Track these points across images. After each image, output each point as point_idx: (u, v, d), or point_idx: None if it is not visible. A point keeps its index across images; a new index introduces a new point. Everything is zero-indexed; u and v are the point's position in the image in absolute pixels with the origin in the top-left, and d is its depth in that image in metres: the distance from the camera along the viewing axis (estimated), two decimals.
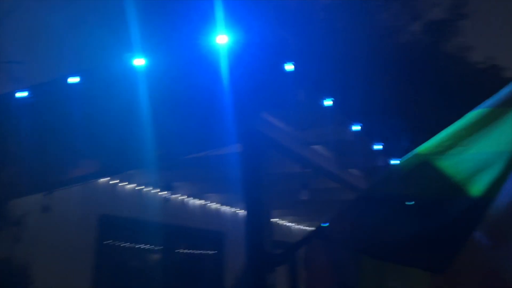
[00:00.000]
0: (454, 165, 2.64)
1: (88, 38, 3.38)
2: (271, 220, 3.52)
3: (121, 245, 7.12)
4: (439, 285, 2.60)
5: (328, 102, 3.81)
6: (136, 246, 7.40)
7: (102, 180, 6.50)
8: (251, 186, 3.46)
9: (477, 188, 2.54)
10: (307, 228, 12.13)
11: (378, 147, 5.00)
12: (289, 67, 3.23)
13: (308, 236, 3.15)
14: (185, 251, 8.34)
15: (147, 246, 7.62)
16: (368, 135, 4.77)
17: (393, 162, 5.33)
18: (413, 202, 2.79)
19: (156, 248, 7.74)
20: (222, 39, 2.96)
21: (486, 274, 2.49)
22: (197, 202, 8.43)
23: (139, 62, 3.34)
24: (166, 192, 5.78)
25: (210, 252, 8.79)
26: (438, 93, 19.53)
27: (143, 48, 3.25)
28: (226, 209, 9.23)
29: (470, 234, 2.53)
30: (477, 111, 2.68)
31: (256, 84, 3.24)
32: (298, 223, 11.70)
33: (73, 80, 3.63)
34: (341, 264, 2.93)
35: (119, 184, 6.94)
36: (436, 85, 19.79)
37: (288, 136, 4.15)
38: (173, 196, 5.83)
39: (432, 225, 2.66)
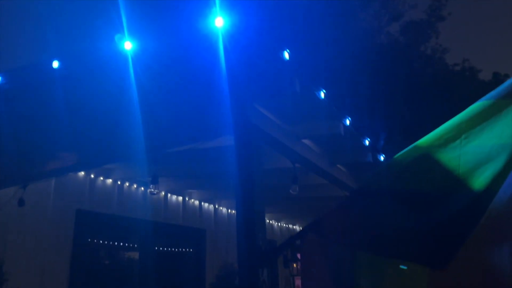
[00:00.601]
0: (455, 158, 2.56)
1: (70, 18, 3.15)
2: (263, 217, 3.37)
3: (99, 241, 6.87)
4: (438, 281, 2.53)
5: (321, 94, 3.69)
6: (114, 243, 7.15)
7: (79, 174, 6.23)
8: (242, 181, 3.29)
9: (479, 182, 2.46)
10: (297, 227, 12.09)
11: (366, 142, 4.94)
12: (284, 54, 3.08)
13: (303, 231, 3.03)
14: (166, 248, 8.13)
15: (126, 243, 7.38)
16: (357, 130, 4.70)
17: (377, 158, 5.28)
18: (411, 196, 2.72)
19: (135, 245, 7.51)
20: (217, 22, 2.79)
21: (486, 270, 2.43)
22: (180, 198, 8.23)
23: (126, 45, 3.13)
24: (151, 187, 5.56)
25: (192, 250, 8.60)
26: (415, 93, 19.84)
27: (131, 31, 3.05)
28: (209, 206, 9.05)
29: (471, 229, 2.47)
30: (479, 103, 2.63)
31: (251, 72, 3.08)
32: (286, 221, 11.63)
33: (52, 64, 3.39)
34: (337, 259, 2.85)
35: (99, 178, 6.67)
36: (412, 86, 20.11)
37: (280, 130, 4.01)
38: (155, 191, 5.61)
39: (431, 220, 2.58)
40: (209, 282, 8.33)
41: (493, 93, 2.60)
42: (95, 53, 3.36)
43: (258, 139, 3.51)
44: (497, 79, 23.33)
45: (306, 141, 4.58)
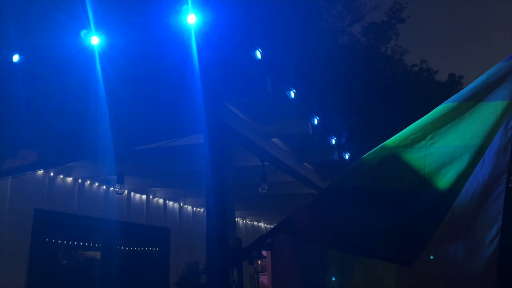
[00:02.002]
0: (421, 158, 2.64)
1: (33, 11, 3.00)
2: (234, 215, 3.35)
3: (57, 241, 6.62)
4: (405, 277, 2.60)
5: (291, 93, 3.70)
6: (74, 243, 6.91)
7: (38, 172, 5.97)
8: (212, 180, 3.26)
9: (444, 181, 2.56)
10: (262, 224, 12.11)
11: (332, 141, 5.01)
12: (256, 53, 3.07)
13: (274, 230, 3.04)
14: (130, 248, 7.95)
15: (87, 243, 7.16)
16: (324, 130, 4.76)
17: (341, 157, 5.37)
18: (379, 195, 2.77)
19: (96, 245, 7.29)
20: (190, 19, 2.73)
21: (452, 265, 2.52)
22: (144, 196, 8.06)
23: (92, 40, 3.02)
24: (116, 186, 5.40)
25: (156, 249, 8.45)
26: (375, 93, 20.36)
27: (98, 25, 2.93)
28: (174, 204, 8.92)
29: (435, 227, 2.55)
30: (444, 106, 2.72)
31: (223, 70, 3.04)
32: (252, 218, 11.63)
33: (12, 58, 3.22)
34: (307, 256, 2.89)
35: (58, 177, 6.42)
36: (373, 86, 20.62)
37: (250, 128, 4.00)
38: (121, 190, 5.47)
39: (398, 218, 2.65)
40: (173, 281, 8.22)
41: (457, 95, 2.69)
42: (59, 47, 3.22)
43: (229, 138, 3.48)
44: (453, 80, 24.25)
45: (275, 140, 4.60)
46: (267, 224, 12.55)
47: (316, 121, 4.34)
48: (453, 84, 23.94)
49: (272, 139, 4.52)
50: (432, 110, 2.73)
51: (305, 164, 5.55)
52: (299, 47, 14.56)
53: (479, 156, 2.52)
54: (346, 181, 2.88)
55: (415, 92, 22.23)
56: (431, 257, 2.54)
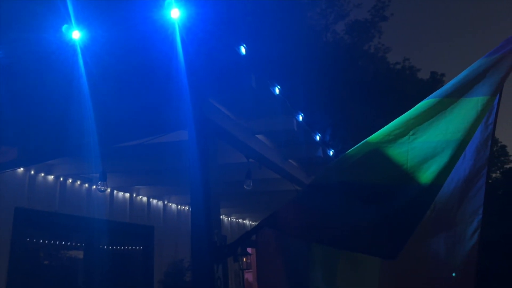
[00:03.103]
0: (403, 153, 2.66)
1: (11, 5, 2.93)
2: (219, 212, 3.33)
3: (39, 241, 6.50)
4: (389, 271, 2.63)
5: (276, 90, 3.70)
6: (56, 242, 6.80)
7: (18, 170, 5.85)
8: (197, 177, 3.23)
9: (426, 176, 2.58)
10: (247, 221, 12.09)
11: (316, 138, 5.02)
12: (241, 48, 3.05)
13: (259, 226, 3.04)
14: (113, 247, 7.86)
15: (69, 242, 7.05)
16: (309, 126, 4.77)
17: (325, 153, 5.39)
18: (363, 190, 2.78)
19: (78, 244, 7.19)
20: (173, 13, 2.70)
21: (435, 259, 2.56)
22: (127, 195, 7.97)
23: (74, 35, 2.96)
24: (99, 183, 5.32)
25: (140, 247, 8.37)
26: (358, 90, 20.54)
27: (79, 19, 2.88)
28: (158, 202, 8.84)
29: (418, 221, 2.58)
30: (426, 101, 2.73)
31: (208, 66, 3.02)
32: (237, 215, 11.61)
33: None
34: (292, 252, 2.89)
35: (39, 175, 6.31)
36: (357, 83, 20.79)
37: (235, 125, 3.98)
38: (103, 188, 5.39)
39: (381, 212, 2.67)
40: (158, 279, 8.16)
41: (438, 92, 2.71)
42: (38, 42, 3.15)
43: (214, 134, 3.46)
44: (434, 78, 24.65)
45: (260, 137, 4.59)
46: (252, 221, 12.55)
47: (300, 118, 4.35)
48: (435, 82, 24.34)
49: (256, 135, 4.51)
50: (414, 107, 2.75)
51: (290, 160, 5.56)
52: (283, 44, 14.58)
53: (461, 151, 2.54)
54: (330, 177, 2.89)
55: (398, 89, 22.52)
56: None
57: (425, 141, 2.64)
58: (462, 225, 2.49)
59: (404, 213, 2.62)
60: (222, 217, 11.20)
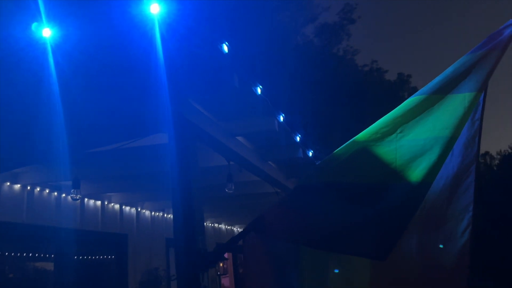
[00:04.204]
0: (391, 151, 2.62)
1: None
2: (202, 218, 3.19)
3: (4, 253, 6.15)
4: (380, 271, 2.58)
5: (258, 90, 3.59)
6: (23, 254, 6.45)
7: None
8: (178, 181, 3.07)
9: (415, 174, 2.53)
10: (222, 226, 11.90)
11: (297, 138, 4.95)
12: (223, 46, 2.93)
13: (245, 231, 2.93)
14: (84, 257, 7.54)
15: (37, 254, 6.70)
16: (289, 126, 4.68)
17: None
18: (352, 190, 2.70)
19: (47, 256, 6.85)
20: (153, 9, 2.55)
21: (426, 257, 2.54)
22: (99, 202, 7.67)
23: (44, 33, 2.75)
24: (72, 191, 5.05)
25: (112, 256, 8.08)
26: (329, 92, 20.78)
27: (50, 16, 2.68)
28: (131, 209, 8.56)
29: (408, 220, 2.53)
30: (413, 98, 2.70)
31: (188, 64, 2.87)
32: (212, 220, 11.40)
33: None
34: (280, 256, 2.81)
35: (5, 184, 5.95)
36: (328, 85, 21.03)
37: (215, 127, 3.84)
38: (77, 196, 5.13)
39: (371, 212, 2.61)
40: (135, 286, 7.90)
41: (425, 88, 2.69)
42: (5, 39, 2.92)
43: (194, 137, 3.31)
44: (401, 79, 25.22)
45: (240, 138, 4.47)
46: (228, 226, 12.39)
47: (282, 118, 4.25)
48: (402, 83, 24.91)
49: (237, 137, 4.38)
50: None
51: (269, 162, 5.46)
52: (255, 47, 14.54)
53: (449, 147, 2.51)
54: (317, 177, 2.82)
55: (366, 91, 22.92)
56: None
57: (413, 138, 2.60)
58: (453, 222, 2.47)
59: (394, 212, 2.57)
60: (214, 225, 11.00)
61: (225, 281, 12.02)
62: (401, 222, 2.51)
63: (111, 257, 8.16)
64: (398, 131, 2.61)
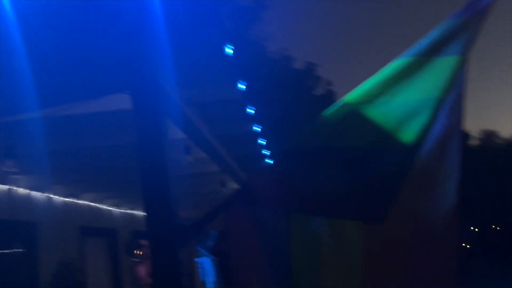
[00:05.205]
0: (382, 114, 2.61)
1: None
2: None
3: None
4: (374, 235, 2.55)
5: (228, 50, 3.25)
6: None
7: None
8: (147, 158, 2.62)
9: (406, 135, 2.55)
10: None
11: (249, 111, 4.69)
12: None
13: (227, 202, 2.69)
14: None
15: None
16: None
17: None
18: (343, 153, 2.63)
19: None
20: None
21: (417, 220, 2.55)
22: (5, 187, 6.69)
23: None
24: None
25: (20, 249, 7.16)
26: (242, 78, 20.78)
27: None
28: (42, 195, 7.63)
29: (401, 182, 2.52)
30: (402, 60, 2.65)
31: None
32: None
33: None
34: (269, 225, 2.69)
35: None
36: (241, 70, 21.01)
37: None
38: None
39: (362, 175, 2.59)
40: (47, 281, 7.18)
41: (412, 50, 2.66)
42: None
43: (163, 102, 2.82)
44: (309, 68, 26.17)
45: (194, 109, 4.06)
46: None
47: (241, 86, 3.94)
48: (310, 72, 25.85)
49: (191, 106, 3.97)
50: (387, 64, 2.65)
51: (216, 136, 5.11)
52: None
53: (438, 109, 2.52)
54: (308, 142, 2.74)
55: (275, 79, 23.40)
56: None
57: (404, 101, 2.59)
58: (442, 184, 2.53)
59: (387, 176, 2.54)
60: (112, 209, 10.27)
61: (141, 269, 11.40)
62: (395, 185, 2.50)
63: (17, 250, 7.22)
64: (389, 93, 2.60)
